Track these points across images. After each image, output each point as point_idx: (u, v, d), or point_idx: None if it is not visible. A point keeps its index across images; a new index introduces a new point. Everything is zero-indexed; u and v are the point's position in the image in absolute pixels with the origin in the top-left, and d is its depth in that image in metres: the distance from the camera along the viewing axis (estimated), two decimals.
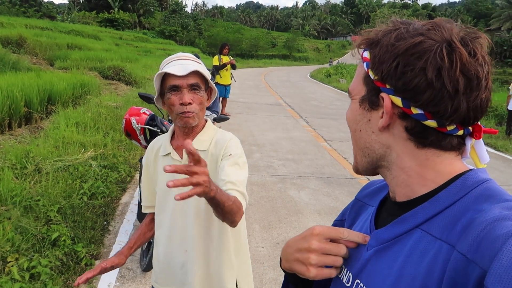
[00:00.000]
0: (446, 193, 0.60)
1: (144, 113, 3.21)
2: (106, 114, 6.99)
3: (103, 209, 4.04)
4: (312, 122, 10.02)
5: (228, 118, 4.55)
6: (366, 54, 0.66)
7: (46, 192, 3.85)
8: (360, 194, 0.88)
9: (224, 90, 9.28)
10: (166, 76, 1.38)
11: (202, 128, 1.48)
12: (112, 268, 1.42)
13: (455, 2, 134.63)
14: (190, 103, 1.36)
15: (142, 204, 1.61)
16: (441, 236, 0.57)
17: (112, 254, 3.34)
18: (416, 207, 0.62)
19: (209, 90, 1.47)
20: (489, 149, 8.59)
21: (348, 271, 0.72)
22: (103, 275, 3.04)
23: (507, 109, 9.91)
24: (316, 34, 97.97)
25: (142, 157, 3.51)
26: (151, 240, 3.14)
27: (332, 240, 0.69)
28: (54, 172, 4.37)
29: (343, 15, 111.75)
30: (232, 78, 9.48)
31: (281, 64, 50.02)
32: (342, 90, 20.07)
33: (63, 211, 3.68)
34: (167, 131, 3.17)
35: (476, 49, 0.58)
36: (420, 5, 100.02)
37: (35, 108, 6.68)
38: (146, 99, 3.35)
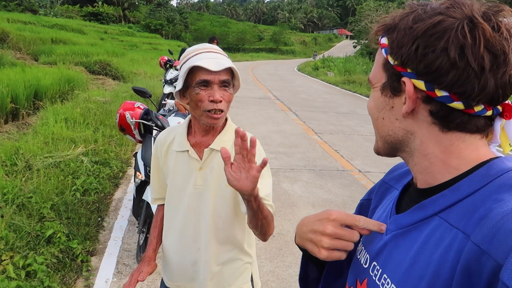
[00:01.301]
0: (468, 181, 0.59)
1: (139, 107, 3.18)
2: (95, 109, 6.90)
3: (97, 205, 4.01)
4: (302, 115, 10.06)
5: None
6: (384, 40, 0.64)
7: (38, 189, 3.80)
8: (387, 177, 0.87)
9: None
10: (195, 69, 1.27)
11: (223, 127, 1.41)
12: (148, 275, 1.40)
13: None
14: (220, 101, 1.28)
15: (151, 196, 1.57)
16: (458, 224, 0.56)
17: (108, 250, 3.32)
18: (436, 194, 0.61)
19: (233, 85, 1.39)
20: None
21: (367, 253, 0.73)
22: (99, 271, 3.03)
23: None
24: (303, 27, 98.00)
25: (136, 152, 3.49)
26: (147, 235, 3.13)
27: (348, 226, 0.70)
28: (45, 168, 4.31)
29: (329, 8, 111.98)
30: None
31: (268, 57, 49.94)
32: (330, 83, 20.16)
33: (56, 207, 3.64)
34: (163, 125, 3.17)
35: (499, 22, 0.55)
36: None
37: (22, 104, 6.57)
38: (141, 93, 3.32)
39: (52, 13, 38.75)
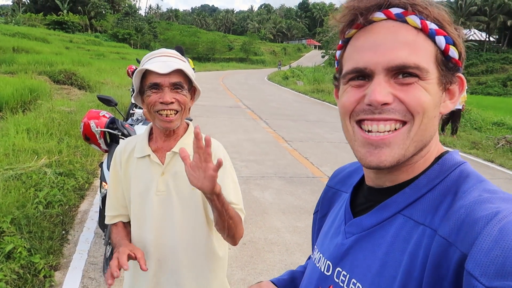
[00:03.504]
0: (426, 177, 0.60)
1: (104, 116, 3.10)
2: (60, 120, 6.69)
3: (61, 217, 3.86)
4: (272, 124, 10.12)
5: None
6: (434, 25, 0.58)
7: None
8: (331, 182, 0.87)
9: None
10: (146, 73, 1.28)
11: (185, 131, 1.41)
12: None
13: None
14: (172, 102, 1.27)
15: (106, 214, 1.45)
16: (424, 221, 0.56)
17: (72, 263, 3.20)
18: (397, 193, 0.61)
19: (192, 90, 1.38)
20: None
21: (327, 260, 0.71)
22: (63, 286, 2.91)
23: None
24: (272, 37, 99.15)
25: (102, 162, 3.40)
26: (112, 248, 3.04)
27: None
28: (5, 181, 4.11)
29: (298, 19, 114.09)
30: None
31: (239, 67, 50.16)
32: (299, 92, 20.44)
33: (17, 221, 3.47)
34: (129, 134, 3.11)
35: None
36: None
37: None
38: (106, 101, 3.25)
39: (13, 21, 37.50)
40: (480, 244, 0.47)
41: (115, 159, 1.43)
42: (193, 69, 8.77)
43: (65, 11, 46.80)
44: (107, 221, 1.45)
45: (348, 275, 0.65)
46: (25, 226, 3.45)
